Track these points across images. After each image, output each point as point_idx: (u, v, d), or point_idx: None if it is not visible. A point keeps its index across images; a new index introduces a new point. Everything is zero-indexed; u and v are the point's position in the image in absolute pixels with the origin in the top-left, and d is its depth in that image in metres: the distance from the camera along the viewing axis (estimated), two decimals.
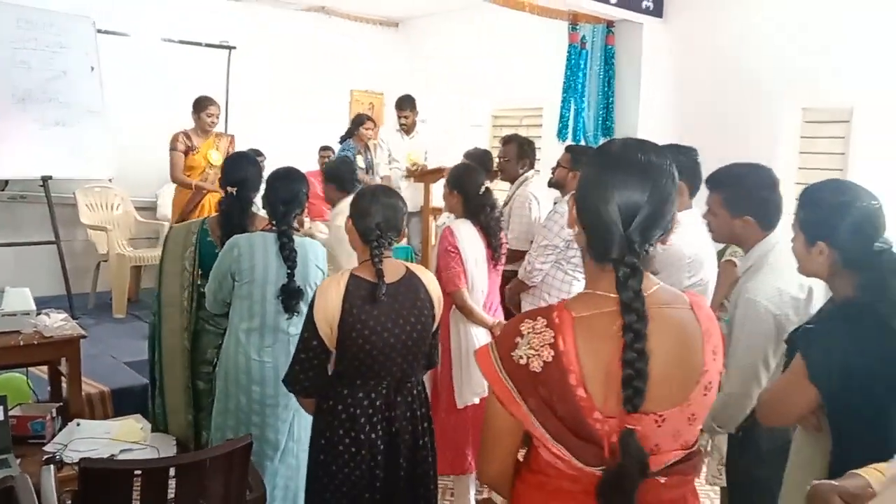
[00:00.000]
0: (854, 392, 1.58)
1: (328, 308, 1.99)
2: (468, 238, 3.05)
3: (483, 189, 3.13)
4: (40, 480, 1.91)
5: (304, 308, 2.52)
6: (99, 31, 5.50)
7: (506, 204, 4.08)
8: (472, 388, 3.03)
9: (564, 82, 5.50)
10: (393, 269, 2.10)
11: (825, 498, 1.21)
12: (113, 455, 2.48)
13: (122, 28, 5.93)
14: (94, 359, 4.01)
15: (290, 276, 2.56)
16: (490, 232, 3.12)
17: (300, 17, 7.24)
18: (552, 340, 1.19)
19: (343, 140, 6.22)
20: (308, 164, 5.43)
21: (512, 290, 3.53)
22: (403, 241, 5.17)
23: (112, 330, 4.99)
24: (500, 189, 4.52)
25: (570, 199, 1.32)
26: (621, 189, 1.21)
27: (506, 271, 3.42)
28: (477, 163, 3.89)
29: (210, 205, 4.88)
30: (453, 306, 3.03)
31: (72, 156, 5.24)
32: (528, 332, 1.22)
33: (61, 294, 5.09)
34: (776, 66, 4.65)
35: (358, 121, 6.23)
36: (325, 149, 6.35)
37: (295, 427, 2.67)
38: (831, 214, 1.70)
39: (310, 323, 2.01)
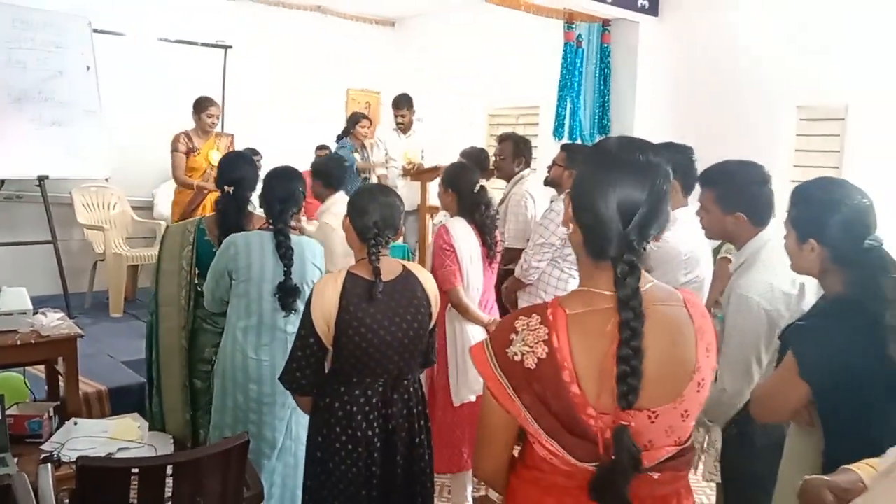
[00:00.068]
0: (844, 388, 1.60)
1: (325, 305, 2.00)
2: (463, 236, 3.06)
3: (478, 187, 3.14)
4: (38, 479, 1.90)
5: (301, 306, 2.52)
6: (95, 30, 5.49)
7: (502, 202, 4.09)
8: (468, 385, 3.04)
9: (560, 81, 5.51)
10: (390, 267, 2.11)
11: (816, 493, 1.22)
12: (110, 454, 2.48)
13: (118, 28, 5.92)
14: (92, 358, 4.01)
15: (287, 274, 2.57)
16: (485, 230, 3.13)
17: (296, 17, 7.24)
18: (546, 337, 1.20)
19: (339, 139, 6.23)
20: (305, 162, 5.42)
21: (509, 288, 3.54)
22: (400, 240, 5.18)
23: (109, 329, 4.99)
24: (496, 187, 4.54)
25: (565, 198, 1.33)
26: (620, 187, 1.22)
27: (504, 270, 3.43)
28: (473, 161, 3.90)
29: (211, 205, 4.87)
30: (449, 304, 3.03)
31: (68, 155, 5.24)
32: (523, 329, 1.23)
33: (58, 293, 5.09)
34: (771, 64, 4.67)
35: (354, 119, 6.24)
36: (321, 147, 6.34)
37: (292, 425, 2.68)
38: (822, 212, 1.71)
39: (307, 320, 2.02)
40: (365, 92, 7.89)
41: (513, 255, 3.68)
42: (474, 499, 3.30)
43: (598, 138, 5.34)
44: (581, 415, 1.19)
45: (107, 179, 5.82)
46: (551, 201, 3.68)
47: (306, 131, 6.63)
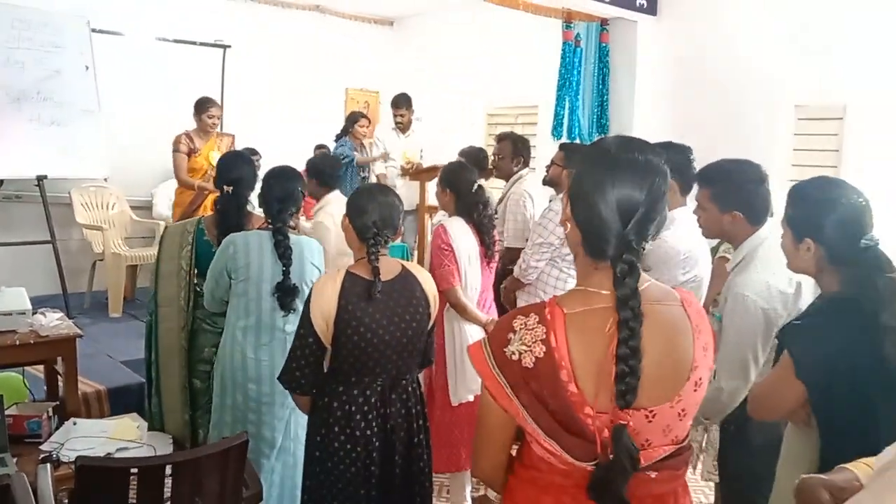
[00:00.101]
0: (840, 387, 1.60)
1: (324, 305, 2.00)
2: (461, 236, 3.06)
3: (476, 187, 3.14)
4: (37, 479, 1.91)
5: (300, 306, 2.52)
6: (93, 30, 5.49)
7: (501, 202, 4.09)
8: (466, 385, 3.05)
9: (559, 80, 5.51)
10: (389, 266, 2.11)
11: (812, 491, 1.22)
12: (109, 454, 2.48)
13: (116, 27, 5.91)
14: (91, 358, 4.00)
15: (286, 273, 2.57)
16: (483, 229, 3.13)
17: (295, 16, 7.24)
18: (544, 336, 1.21)
19: (338, 138, 6.23)
20: (304, 162, 5.43)
21: (507, 287, 3.54)
22: (399, 240, 5.18)
23: (108, 329, 4.99)
24: (495, 187, 4.54)
25: (564, 197, 1.34)
26: (619, 187, 1.22)
27: (504, 269, 3.43)
28: (472, 161, 3.90)
29: (211, 205, 4.85)
30: (447, 304, 3.04)
31: (67, 155, 5.24)
32: (521, 329, 1.23)
33: (57, 293, 5.09)
34: (769, 63, 4.67)
35: (352, 118, 6.24)
36: (320, 147, 6.35)
37: (291, 425, 2.68)
38: (818, 211, 1.71)
39: (306, 320, 2.02)
40: (364, 91, 7.89)
41: (512, 255, 3.68)
42: (473, 498, 3.30)
43: (596, 138, 5.34)
44: (579, 414, 1.19)
45: (105, 179, 5.82)
46: (550, 201, 3.68)
47: (305, 131, 6.63)
